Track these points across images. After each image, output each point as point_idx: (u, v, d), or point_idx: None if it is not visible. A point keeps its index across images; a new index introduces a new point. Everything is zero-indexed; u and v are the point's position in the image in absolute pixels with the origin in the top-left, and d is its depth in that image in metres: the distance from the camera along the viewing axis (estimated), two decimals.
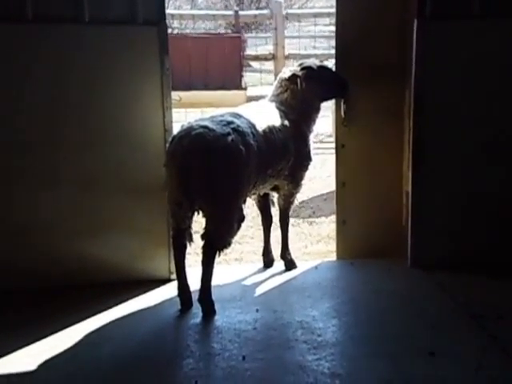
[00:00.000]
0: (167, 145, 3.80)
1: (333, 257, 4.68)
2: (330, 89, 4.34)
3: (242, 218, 3.79)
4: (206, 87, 9.16)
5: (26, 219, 4.08)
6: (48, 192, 4.06)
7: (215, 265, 3.74)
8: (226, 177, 3.61)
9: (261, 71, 11.00)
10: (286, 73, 4.32)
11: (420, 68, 4.19)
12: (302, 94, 4.24)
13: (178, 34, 11.90)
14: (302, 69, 4.27)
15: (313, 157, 4.36)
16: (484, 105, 4.27)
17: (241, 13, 10.95)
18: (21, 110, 4.00)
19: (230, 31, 13.12)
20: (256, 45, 11.82)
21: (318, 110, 4.36)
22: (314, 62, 4.38)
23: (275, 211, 4.50)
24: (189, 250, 3.91)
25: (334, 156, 4.61)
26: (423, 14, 4.17)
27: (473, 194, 4.33)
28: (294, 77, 4.24)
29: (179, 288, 3.85)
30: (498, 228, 4.36)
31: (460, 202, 4.34)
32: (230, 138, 3.60)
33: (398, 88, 4.42)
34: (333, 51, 4.72)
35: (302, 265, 4.51)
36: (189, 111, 7.78)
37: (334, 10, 4.54)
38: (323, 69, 4.36)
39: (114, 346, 3.44)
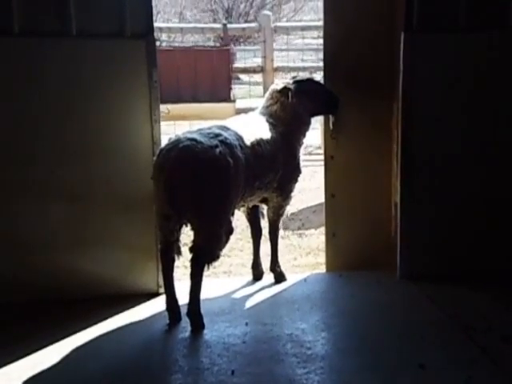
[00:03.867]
0: (155, 157, 3.79)
1: (322, 269, 4.67)
2: (320, 105, 4.34)
3: (230, 231, 3.78)
4: (195, 100, 9.18)
5: (12, 233, 4.04)
6: (35, 206, 4.03)
7: (204, 278, 3.72)
8: (213, 189, 3.60)
9: (249, 84, 11.03)
10: (278, 85, 4.33)
11: (407, 80, 4.21)
12: (291, 107, 4.24)
13: (166, 46, 11.91)
14: (295, 82, 4.28)
15: (302, 169, 4.36)
16: (472, 116, 4.29)
17: (229, 26, 11.00)
18: (7, 124, 3.98)
19: (218, 44, 13.17)
20: (244, 57, 11.88)
21: (307, 124, 4.35)
22: (307, 77, 4.40)
23: (265, 223, 4.49)
24: (177, 263, 3.89)
25: (323, 168, 4.61)
26: (410, 26, 4.20)
27: (461, 206, 4.35)
28: (285, 89, 4.25)
29: (167, 302, 3.83)
30: (487, 239, 4.37)
31: (449, 214, 4.35)
32: (217, 151, 3.60)
33: (386, 100, 4.44)
34: (321, 64, 4.74)
35: (292, 277, 4.50)
36: (177, 124, 7.77)
37: (321, 24, 4.57)
38: (316, 84, 4.38)
39: (102, 361, 3.41)
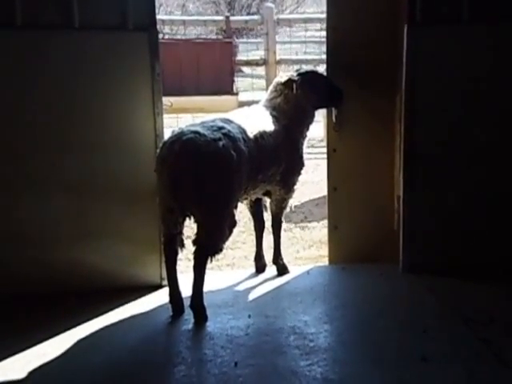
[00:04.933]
0: (158, 150, 3.79)
1: (325, 261, 4.68)
2: (324, 98, 4.33)
3: (233, 224, 3.78)
4: (198, 92, 9.16)
5: (15, 226, 4.05)
6: (38, 199, 4.04)
7: (207, 270, 3.73)
8: (216, 182, 3.60)
9: (252, 76, 11.03)
10: (282, 77, 4.33)
11: (410, 73, 4.20)
12: (295, 100, 4.24)
13: (169, 39, 11.89)
14: (299, 74, 4.27)
15: (305, 162, 4.36)
16: (475, 110, 4.28)
17: (232, 18, 10.97)
18: (7, 117, 3.97)
19: (221, 37, 13.14)
20: (247, 50, 11.87)
21: (311, 116, 4.35)
22: (312, 69, 4.39)
23: (267, 216, 4.50)
24: (180, 255, 3.90)
25: (325, 161, 4.61)
26: (413, 19, 4.18)
27: (464, 199, 4.34)
28: (289, 82, 4.24)
29: (171, 294, 3.84)
30: (489, 232, 4.37)
31: (451, 207, 4.35)
32: (220, 143, 3.60)
33: (389, 93, 4.43)
34: (324, 56, 4.74)
35: (294, 270, 4.51)
36: (180, 116, 7.77)
37: (324, 16, 4.56)
38: (320, 77, 4.37)
39: (105, 353, 3.42)
